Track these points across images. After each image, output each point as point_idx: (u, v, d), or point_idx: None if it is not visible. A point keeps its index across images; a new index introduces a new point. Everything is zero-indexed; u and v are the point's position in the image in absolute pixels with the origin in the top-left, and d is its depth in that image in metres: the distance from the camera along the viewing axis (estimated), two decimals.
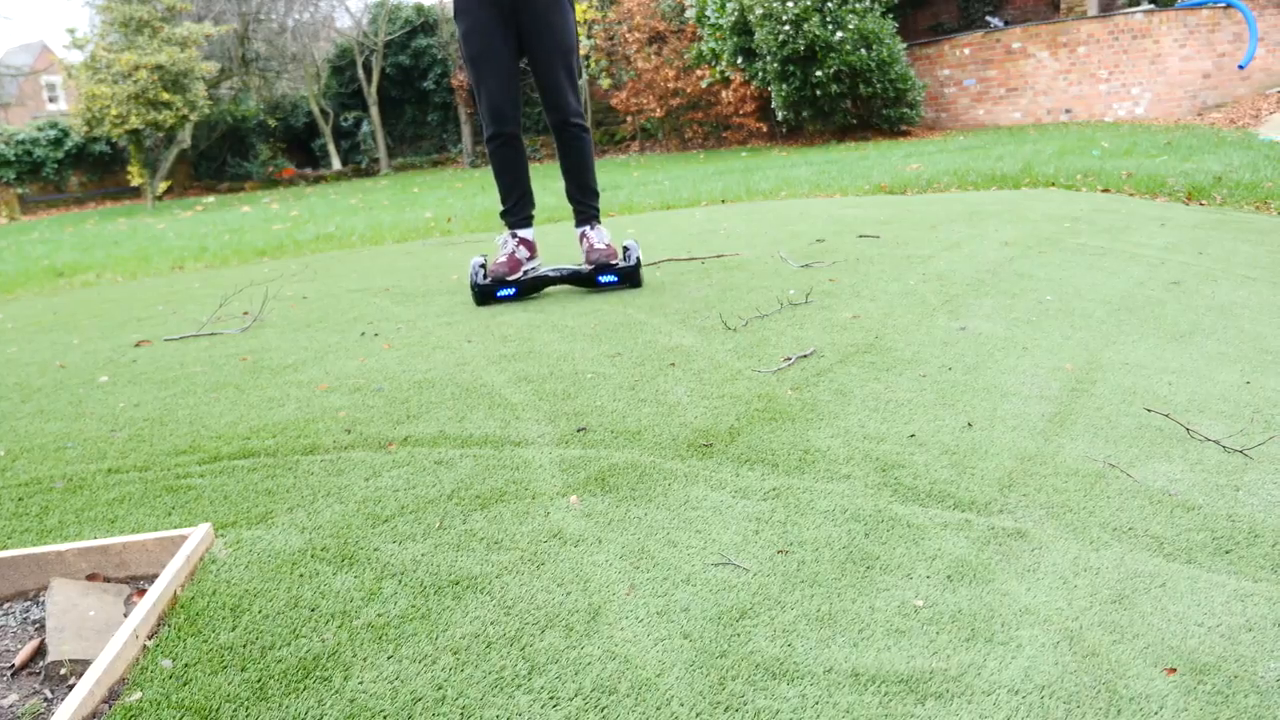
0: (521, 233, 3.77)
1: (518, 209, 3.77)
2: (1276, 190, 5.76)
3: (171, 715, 1.23)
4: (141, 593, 1.60)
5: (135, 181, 21.14)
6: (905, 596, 1.42)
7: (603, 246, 3.72)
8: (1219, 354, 2.62)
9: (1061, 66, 14.26)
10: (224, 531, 1.78)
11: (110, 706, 1.26)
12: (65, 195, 24.79)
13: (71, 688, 1.31)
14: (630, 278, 3.68)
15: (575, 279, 3.71)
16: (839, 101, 14.54)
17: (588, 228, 3.79)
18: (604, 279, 3.66)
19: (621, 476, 1.93)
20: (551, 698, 1.22)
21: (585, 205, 3.80)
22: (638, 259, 3.70)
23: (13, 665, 1.39)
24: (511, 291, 3.67)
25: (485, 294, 3.66)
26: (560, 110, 3.63)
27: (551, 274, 3.73)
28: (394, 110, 26.21)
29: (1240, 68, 9.73)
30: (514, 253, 3.73)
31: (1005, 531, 1.61)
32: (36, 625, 1.50)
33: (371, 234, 7.71)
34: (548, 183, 8.85)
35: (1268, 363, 2.54)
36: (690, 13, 16.88)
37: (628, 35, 18.73)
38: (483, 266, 3.71)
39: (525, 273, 3.72)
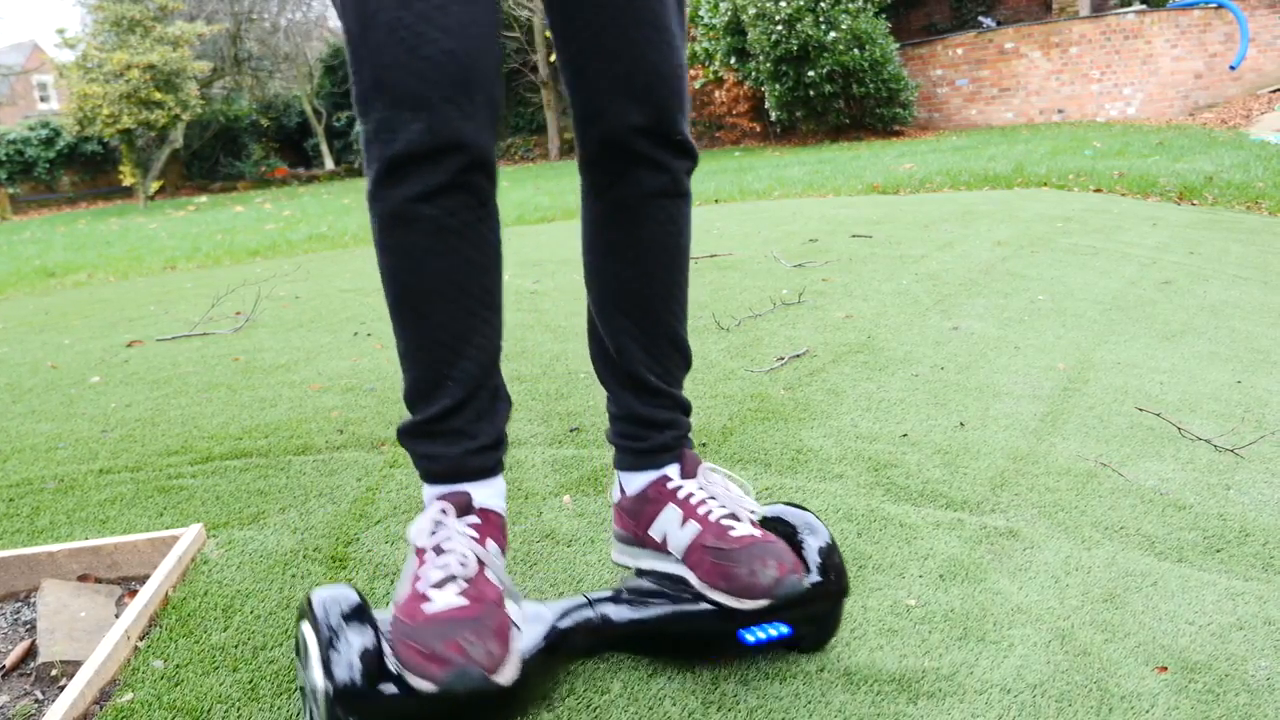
0: (481, 495, 1.20)
1: (466, 414, 1.18)
2: (1268, 190, 5.78)
3: (163, 716, 1.23)
4: (133, 594, 1.59)
5: (127, 181, 21.07)
6: (898, 595, 1.42)
7: (750, 537, 1.20)
8: (1210, 353, 2.63)
9: (1054, 67, 14.30)
10: (216, 532, 1.78)
11: (101, 707, 1.25)
12: (57, 195, 24.70)
13: (62, 689, 1.31)
14: (821, 625, 1.28)
15: (671, 633, 1.26)
16: (832, 101, 14.56)
17: (676, 473, 1.32)
18: (760, 635, 1.19)
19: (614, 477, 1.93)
20: (545, 697, 1.22)
21: (663, 403, 1.32)
22: (835, 566, 1.25)
23: (3, 666, 1.39)
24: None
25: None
26: (648, 114, 1.20)
27: (611, 621, 1.22)
28: None
29: (1232, 68, 9.75)
30: (476, 581, 1.09)
31: (997, 531, 1.61)
32: (27, 626, 1.50)
33: (364, 234, 7.69)
34: (545, 182, 8.86)
35: (1259, 362, 2.55)
36: None
37: None
38: (372, 634, 1.05)
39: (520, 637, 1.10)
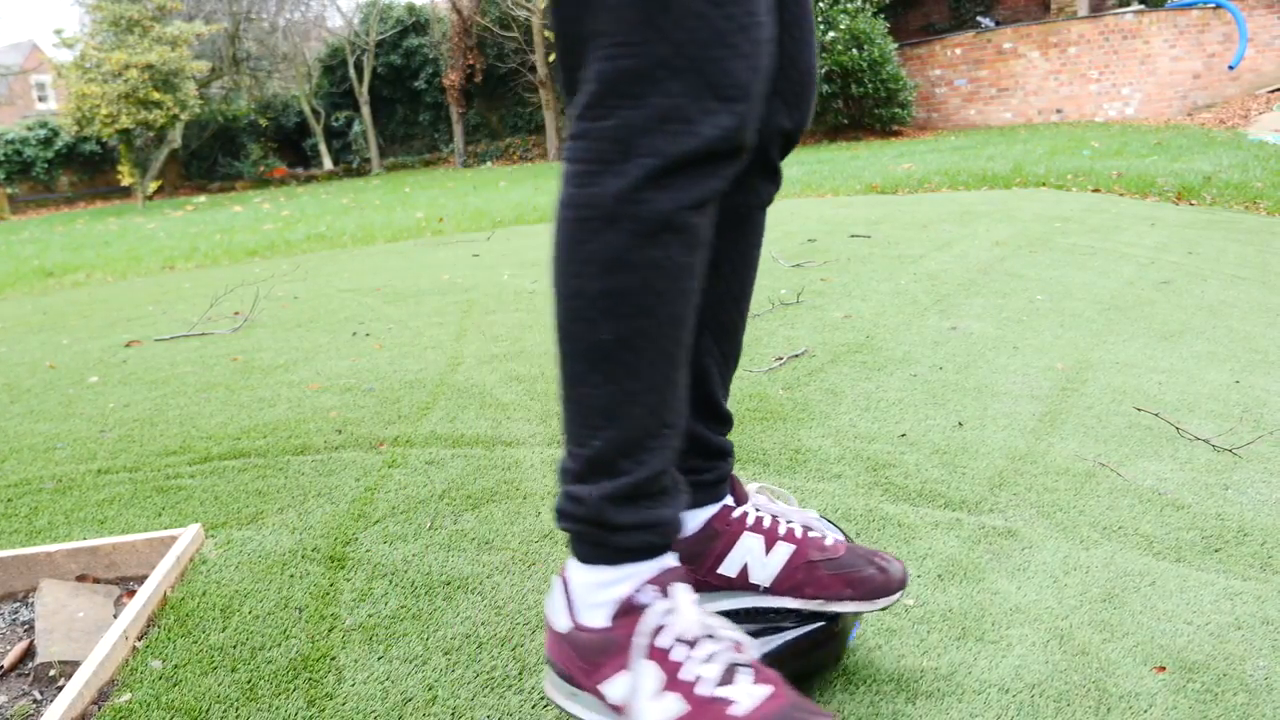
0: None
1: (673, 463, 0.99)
2: (1266, 190, 5.78)
3: (161, 716, 1.23)
4: (131, 594, 1.59)
5: (126, 181, 21.06)
6: None
7: (843, 541, 1.22)
8: (1208, 353, 2.63)
9: (1052, 67, 14.30)
10: (214, 532, 1.77)
11: (100, 708, 1.25)
12: (55, 195, 24.69)
13: (61, 689, 1.31)
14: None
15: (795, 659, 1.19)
16: (830, 101, 14.56)
17: (731, 500, 1.21)
18: (855, 631, 1.30)
19: None
20: (543, 698, 1.22)
21: (727, 428, 1.22)
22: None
23: (1, 667, 1.38)
24: None
25: None
26: (795, 120, 1.13)
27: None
28: (385, 110, 26.16)
29: (1230, 68, 9.76)
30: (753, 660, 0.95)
31: (996, 530, 1.61)
32: (25, 626, 1.49)
33: (363, 234, 7.69)
34: (542, 181, 8.87)
35: (1257, 362, 2.55)
36: None
37: None
38: None
39: None
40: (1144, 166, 7.26)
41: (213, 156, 26.30)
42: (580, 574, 0.96)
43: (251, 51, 26.01)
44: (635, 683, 0.91)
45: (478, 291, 4.11)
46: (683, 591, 0.95)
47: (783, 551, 1.16)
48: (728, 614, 1.16)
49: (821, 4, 13.91)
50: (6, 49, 37.52)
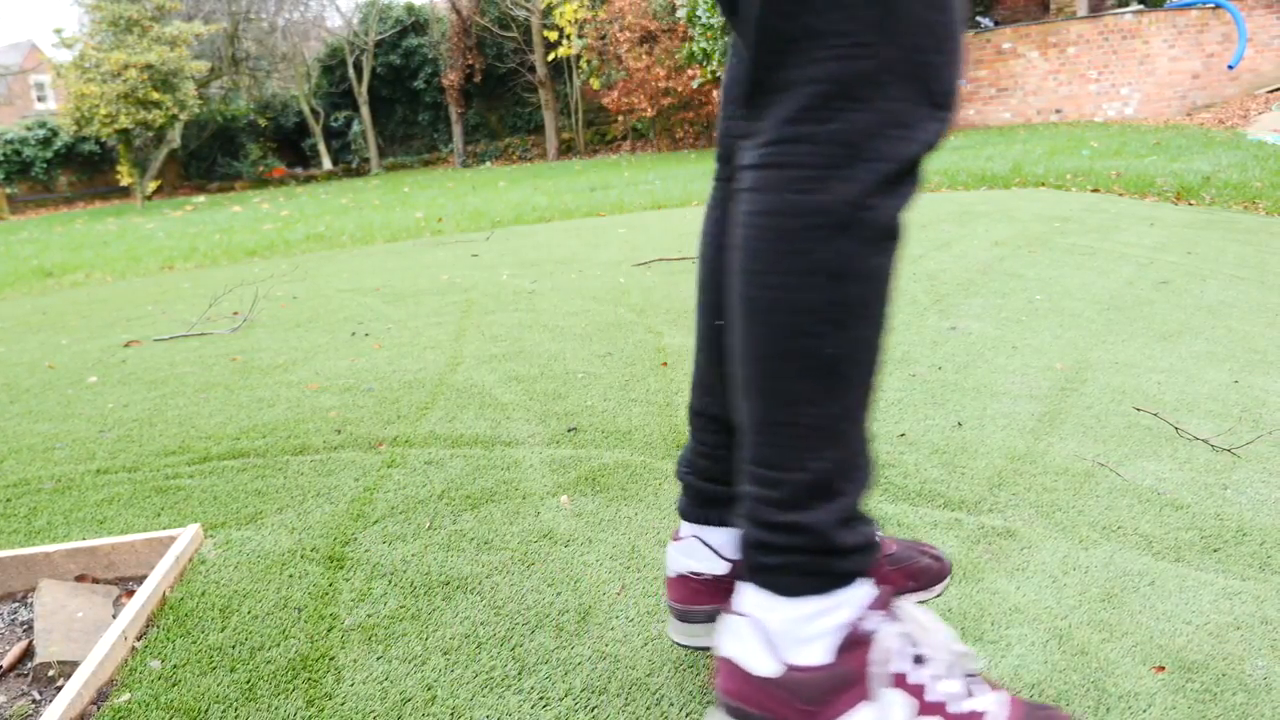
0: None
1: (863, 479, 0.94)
2: (1265, 190, 5.78)
3: (160, 716, 1.23)
4: (130, 594, 1.59)
5: (125, 181, 21.06)
6: None
7: (889, 542, 1.28)
8: (1208, 353, 2.63)
9: (1051, 67, 14.31)
10: (213, 532, 1.77)
11: (99, 708, 1.25)
12: (54, 195, 24.68)
13: (60, 689, 1.31)
14: None
15: None
16: None
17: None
18: None
19: (612, 476, 1.93)
20: (542, 698, 1.22)
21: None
22: None
23: (1, 667, 1.38)
24: None
25: None
26: None
27: None
28: (385, 110, 26.17)
29: (1229, 68, 9.79)
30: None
31: (995, 530, 1.61)
32: (24, 627, 1.49)
33: (362, 234, 7.69)
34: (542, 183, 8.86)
35: (1256, 362, 2.55)
36: (681, 12, 16.90)
37: (619, 34, 18.72)
38: None
39: None
40: (1143, 166, 7.26)
41: (212, 156, 26.30)
42: (783, 610, 0.89)
43: (250, 51, 26.01)
44: (884, 715, 0.88)
45: (477, 291, 4.10)
46: (919, 610, 0.92)
47: None
48: None
49: None
50: (5, 49, 37.50)
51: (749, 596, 0.91)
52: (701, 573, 1.14)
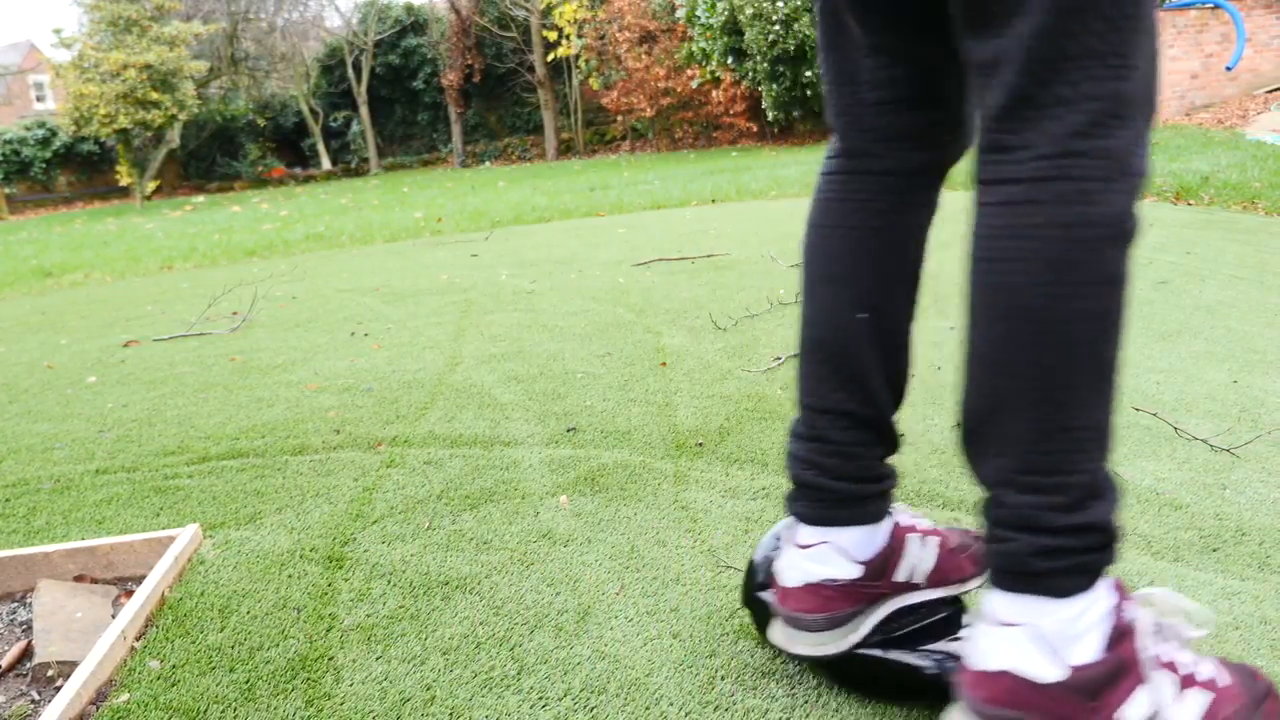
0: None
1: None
2: (1264, 190, 5.79)
3: (159, 717, 1.23)
4: (129, 594, 1.59)
5: (124, 181, 21.07)
6: None
7: (952, 531, 1.26)
8: (1206, 353, 2.63)
9: None
10: (212, 532, 1.77)
11: (98, 708, 1.25)
12: (53, 195, 24.68)
13: (59, 689, 1.31)
14: None
15: None
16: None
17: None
18: None
19: (611, 476, 1.93)
20: (541, 698, 1.22)
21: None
22: None
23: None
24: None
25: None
26: None
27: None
28: (384, 110, 26.17)
29: (1228, 69, 9.80)
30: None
31: None
32: (23, 627, 1.49)
33: (361, 234, 7.69)
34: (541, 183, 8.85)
35: (1255, 362, 2.55)
36: (680, 12, 16.91)
37: (618, 34, 18.73)
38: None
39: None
40: None
41: (211, 156, 26.31)
42: (1057, 612, 0.91)
43: (250, 51, 26.02)
44: (1158, 694, 0.91)
45: (476, 291, 4.11)
46: (1163, 591, 0.98)
47: (933, 545, 1.17)
48: (885, 621, 1.16)
49: None
50: (4, 49, 37.49)
51: (1012, 605, 0.92)
52: (836, 579, 1.12)
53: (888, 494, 1.15)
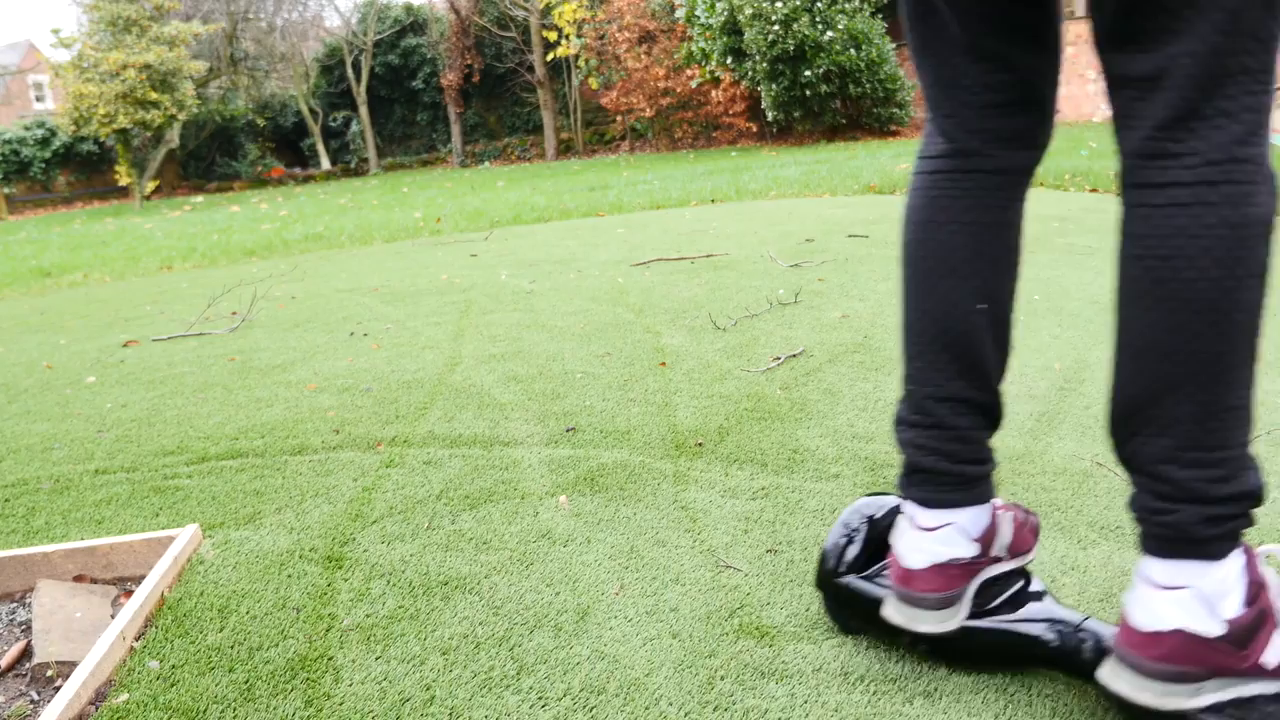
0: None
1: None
2: None
3: (159, 717, 1.23)
4: (129, 594, 1.59)
5: (123, 181, 21.05)
6: None
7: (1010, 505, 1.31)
8: None
9: None
10: (211, 532, 1.77)
11: (97, 708, 1.25)
12: (52, 195, 24.67)
13: (58, 689, 1.31)
14: None
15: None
16: (828, 101, 14.57)
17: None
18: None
19: (610, 476, 1.93)
20: (540, 698, 1.22)
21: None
22: None
23: None
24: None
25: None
26: None
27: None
28: (383, 110, 26.17)
29: None
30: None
31: None
32: (23, 627, 1.49)
33: (360, 234, 7.69)
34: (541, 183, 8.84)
35: None
36: (680, 12, 16.91)
37: (618, 34, 18.73)
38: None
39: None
40: None
41: (210, 156, 26.30)
42: (1215, 573, 1.02)
43: (249, 51, 26.01)
44: None
45: (475, 291, 4.11)
46: (1276, 547, 1.16)
47: (1009, 519, 1.25)
48: (977, 594, 1.22)
49: (819, 4, 13.91)
50: (4, 49, 37.48)
51: (1173, 570, 1.03)
52: (960, 558, 1.19)
53: (992, 474, 1.23)
